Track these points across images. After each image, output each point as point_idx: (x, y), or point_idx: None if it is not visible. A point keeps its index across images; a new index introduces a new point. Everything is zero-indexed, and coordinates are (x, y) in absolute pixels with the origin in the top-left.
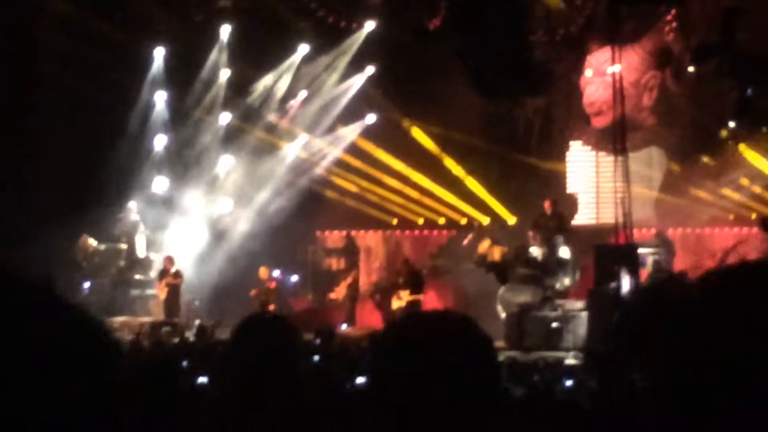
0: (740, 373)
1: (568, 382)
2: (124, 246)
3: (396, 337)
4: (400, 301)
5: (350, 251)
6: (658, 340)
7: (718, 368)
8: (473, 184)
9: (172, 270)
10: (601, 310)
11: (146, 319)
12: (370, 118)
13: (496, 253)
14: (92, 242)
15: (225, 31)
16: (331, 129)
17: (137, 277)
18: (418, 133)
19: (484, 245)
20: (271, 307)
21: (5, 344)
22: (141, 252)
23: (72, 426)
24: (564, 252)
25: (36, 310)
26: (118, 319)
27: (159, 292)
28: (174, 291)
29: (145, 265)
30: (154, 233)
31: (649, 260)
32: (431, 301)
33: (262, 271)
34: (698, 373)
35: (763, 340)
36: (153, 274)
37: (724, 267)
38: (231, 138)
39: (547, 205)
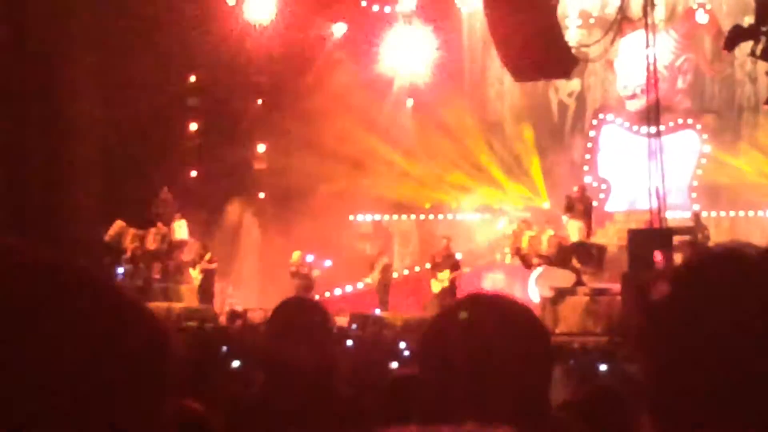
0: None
1: (603, 367)
2: (162, 230)
3: (454, 317)
4: (441, 282)
5: (382, 236)
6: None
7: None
8: (507, 169)
9: (207, 255)
10: (634, 293)
11: (178, 305)
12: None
13: (525, 240)
14: (125, 227)
15: None
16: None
17: (172, 262)
18: (453, 118)
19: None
20: (308, 293)
21: (61, 337)
22: (183, 235)
23: (124, 415)
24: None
25: (92, 301)
26: (153, 305)
27: (195, 278)
28: (209, 276)
29: (184, 249)
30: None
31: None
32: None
33: (296, 256)
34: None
35: (737, 334)
36: (186, 259)
37: (691, 259)
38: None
39: (578, 189)
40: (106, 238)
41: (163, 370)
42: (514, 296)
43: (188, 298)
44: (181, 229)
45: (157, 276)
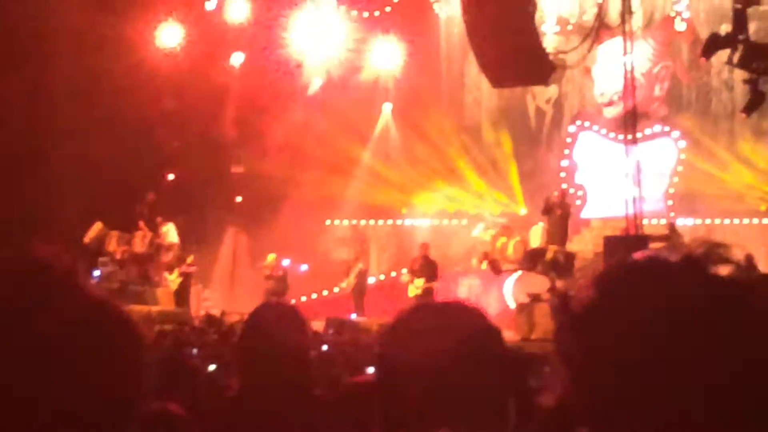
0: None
1: None
2: (149, 233)
3: (406, 325)
4: (416, 289)
5: (358, 241)
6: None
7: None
8: (484, 174)
9: (189, 258)
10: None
11: (155, 308)
12: (387, 107)
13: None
14: (105, 229)
15: None
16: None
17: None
18: (430, 124)
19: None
20: (282, 296)
21: (34, 332)
22: (174, 238)
23: (95, 413)
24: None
25: (64, 299)
26: (130, 308)
27: (171, 281)
28: (186, 280)
29: (172, 252)
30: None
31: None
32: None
33: (270, 258)
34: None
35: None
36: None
37: (612, 267)
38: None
39: (558, 194)
40: (86, 240)
41: (138, 372)
42: (466, 301)
43: (164, 302)
44: (170, 233)
45: (134, 279)
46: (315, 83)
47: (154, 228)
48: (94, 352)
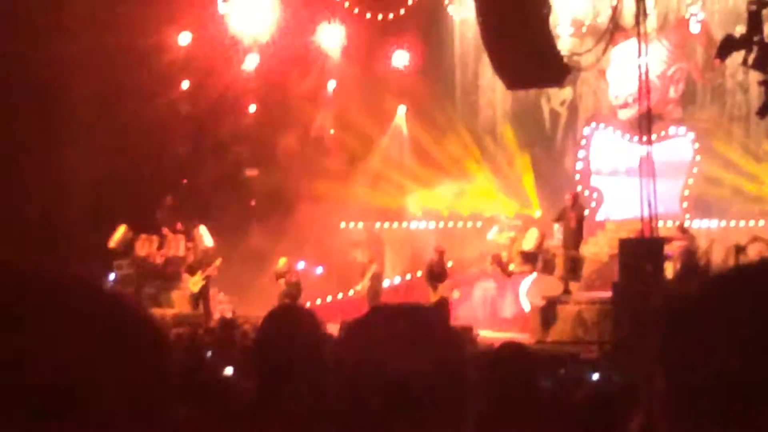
0: (741, 387)
1: (595, 376)
2: (177, 237)
3: (362, 330)
4: (437, 293)
5: (373, 244)
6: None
7: (717, 380)
8: (498, 177)
9: (217, 261)
10: (626, 303)
11: (170, 311)
12: (401, 110)
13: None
14: (129, 231)
15: None
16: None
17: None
18: (445, 126)
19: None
20: (295, 300)
21: (59, 343)
22: (210, 242)
23: (124, 421)
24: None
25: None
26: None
27: (193, 284)
28: (208, 282)
29: (208, 255)
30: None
31: (676, 253)
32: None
33: (282, 262)
34: (700, 384)
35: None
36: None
37: (724, 271)
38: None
39: (570, 197)
40: (112, 244)
41: (165, 376)
42: (422, 304)
43: (180, 305)
44: (205, 236)
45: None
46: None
47: (175, 231)
48: (119, 358)
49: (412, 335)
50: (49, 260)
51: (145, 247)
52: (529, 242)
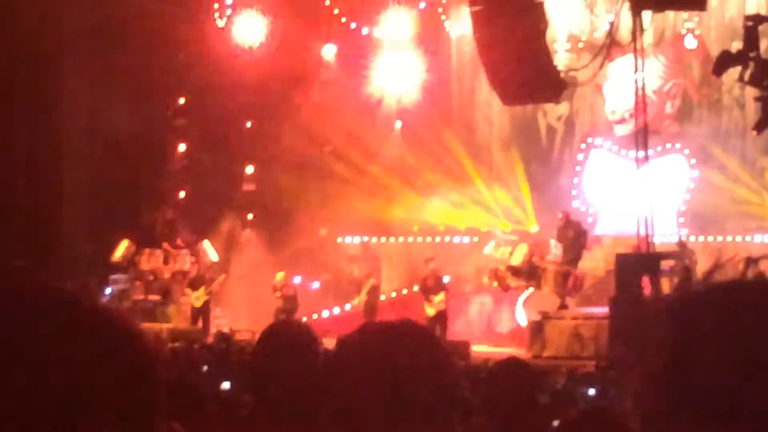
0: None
1: (591, 391)
2: (181, 251)
3: (355, 348)
4: (437, 306)
5: (370, 258)
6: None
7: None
8: (495, 192)
9: (221, 277)
10: (622, 318)
11: (166, 326)
12: (398, 124)
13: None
14: (132, 245)
15: None
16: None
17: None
18: (441, 141)
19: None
20: (292, 314)
21: (45, 356)
22: (215, 257)
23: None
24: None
25: (77, 322)
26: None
27: (195, 298)
28: (210, 298)
29: (212, 269)
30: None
31: (674, 268)
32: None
33: (279, 276)
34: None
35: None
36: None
37: (710, 285)
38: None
39: (562, 216)
40: (116, 258)
41: (152, 392)
42: (412, 321)
43: (177, 319)
44: (209, 251)
45: (152, 297)
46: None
47: (175, 246)
48: (104, 374)
49: (403, 350)
50: (44, 272)
51: (151, 261)
52: (517, 258)
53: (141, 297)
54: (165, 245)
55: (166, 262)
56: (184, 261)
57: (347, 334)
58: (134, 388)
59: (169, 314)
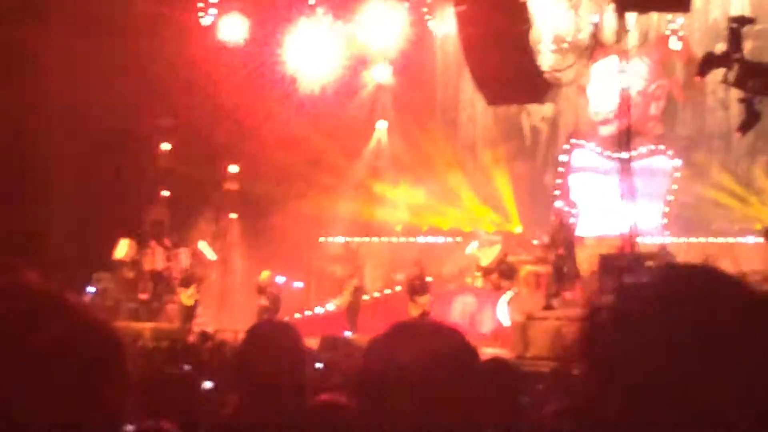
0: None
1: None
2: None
3: (386, 346)
4: (421, 306)
5: (352, 258)
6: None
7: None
8: (478, 192)
9: (212, 275)
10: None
11: (149, 325)
12: (382, 124)
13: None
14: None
15: None
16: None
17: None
18: (425, 141)
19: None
20: (275, 313)
21: (15, 349)
22: (212, 255)
23: (78, 426)
24: None
25: (44, 315)
26: (121, 325)
27: (186, 297)
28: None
29: (210, 268)
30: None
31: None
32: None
33: (265, 275)
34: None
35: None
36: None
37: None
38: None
39: (555, 218)
40: (122, 257)
41: (122, 391)
42: (444, 321)
43: (160, 318)
44: (206, 249)
45: (145, 296)
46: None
47: (162, 245)
48: (77, 371)
49: (433, 349)
50: (26, 269)
51: (156, 261)
52: (486, 258)
53: (146, 297)
54: (153, 243)
55: (168, 260)
56: (183, 260)
57: (381, 333)
58: (97, 382)
59: (152, 313)
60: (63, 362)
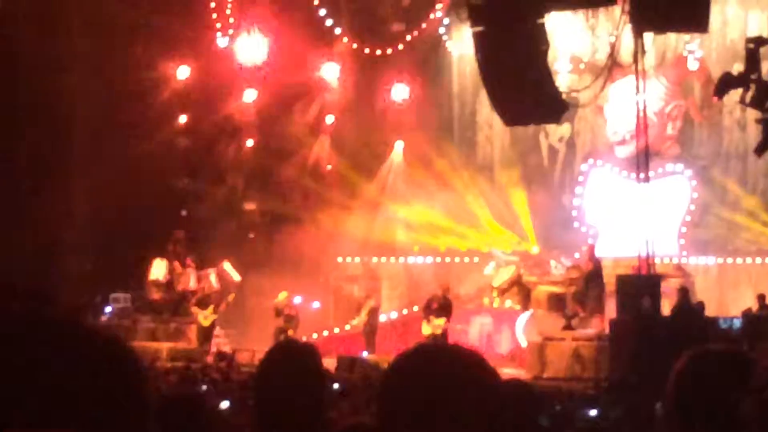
0: None
1: (592, 412)
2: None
3: (406, 369)
4: (435, 328)
5: (370, 278)
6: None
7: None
8: (496, 212)
9: (230, 296)
10: (623, 339)
11: (166, 345)
12: (399, 145)
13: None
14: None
15: None
16: None
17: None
18: (442, 162)
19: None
20: (291, 333)
21: (35, 374)
22: (237, 276)
23: None
24: None
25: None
26: (138, 345)
27: (204, 317)
28: (218, 317)
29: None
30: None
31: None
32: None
33: (282, 296)
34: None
35: None
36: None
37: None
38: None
39: (587, 249)
40: (159, 278)
41: (140, 409)
42: (465, 344)
43: (177, 338)
44: (231, 271)
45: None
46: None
47: (184, 265)
48: (98, 399)
49: (455, 370)
50: (47, 289)
51: (182, 281)
52: (499, 278)
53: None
54: (188, 263)
55: (199, 281)
56: (213, 281)
57: (402, 354)
58: (119, 405)
59: (170, 333)
60: (84, 390)
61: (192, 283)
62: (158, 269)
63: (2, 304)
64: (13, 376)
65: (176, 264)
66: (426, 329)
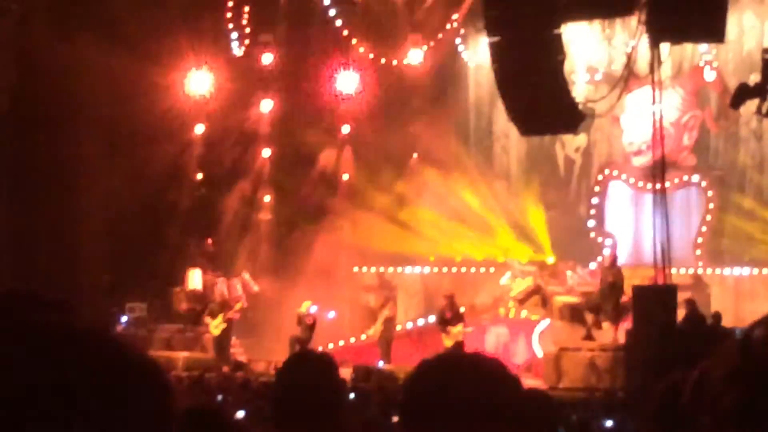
0: None
1: (609, 422)
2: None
3: (428, 377)
4: (455, 337)
5: (386, 288)
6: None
7: None
8: (512, 222)
9: (237, 305)
10: (639, 349)
11: (182, 354)
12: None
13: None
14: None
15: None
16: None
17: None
18: (458, 172)
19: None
20: (307, 343)
21: (60, 389)
22: (255, 286)
23: None
24: None
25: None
26: (154, 354)
27: (214, 327)
28: (230, 326)
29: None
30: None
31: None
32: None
33: (305, 306)
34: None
35: None
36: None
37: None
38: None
39: (609, 256)
40: (198, 288)
41: (164, 419)
42: (485, 352)
43: (193, 348)
44: (251, 281)
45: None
46: None
47: (217, 274)
48: (122, 404)
49: (477, 379)
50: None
51: (221, 290)
52: (517, 288)
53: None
54: (209, 274)
55: (230, 291)
56: (239, 290)
57: (423, 362)
58: (149, 420)
59: (187, 343)
60: (113, 406)
61: (225, 293)
62: (195, 279)
63: (26, 315)
64: (43, 392)
65: (209, 274)
66: (447, 341)
